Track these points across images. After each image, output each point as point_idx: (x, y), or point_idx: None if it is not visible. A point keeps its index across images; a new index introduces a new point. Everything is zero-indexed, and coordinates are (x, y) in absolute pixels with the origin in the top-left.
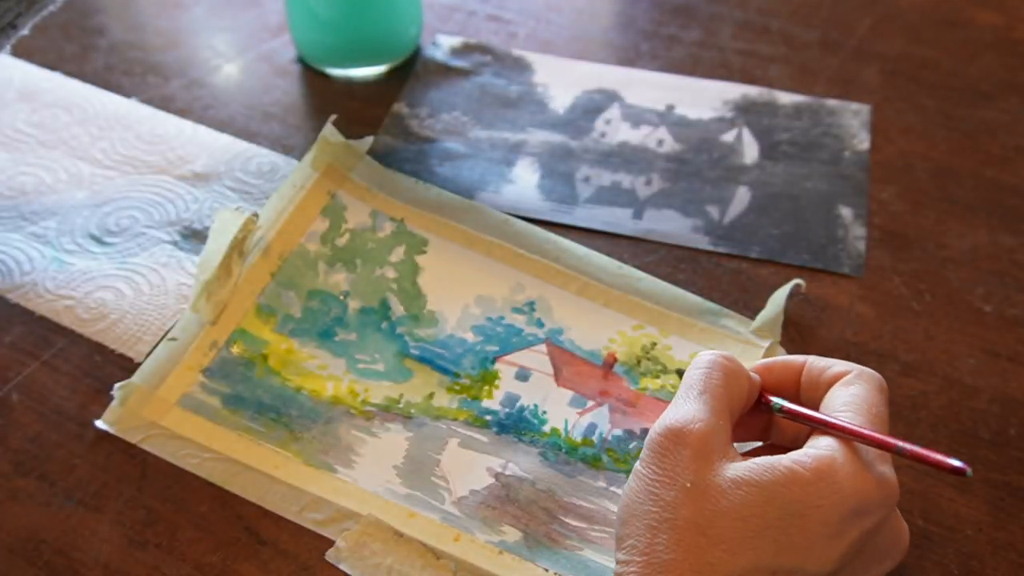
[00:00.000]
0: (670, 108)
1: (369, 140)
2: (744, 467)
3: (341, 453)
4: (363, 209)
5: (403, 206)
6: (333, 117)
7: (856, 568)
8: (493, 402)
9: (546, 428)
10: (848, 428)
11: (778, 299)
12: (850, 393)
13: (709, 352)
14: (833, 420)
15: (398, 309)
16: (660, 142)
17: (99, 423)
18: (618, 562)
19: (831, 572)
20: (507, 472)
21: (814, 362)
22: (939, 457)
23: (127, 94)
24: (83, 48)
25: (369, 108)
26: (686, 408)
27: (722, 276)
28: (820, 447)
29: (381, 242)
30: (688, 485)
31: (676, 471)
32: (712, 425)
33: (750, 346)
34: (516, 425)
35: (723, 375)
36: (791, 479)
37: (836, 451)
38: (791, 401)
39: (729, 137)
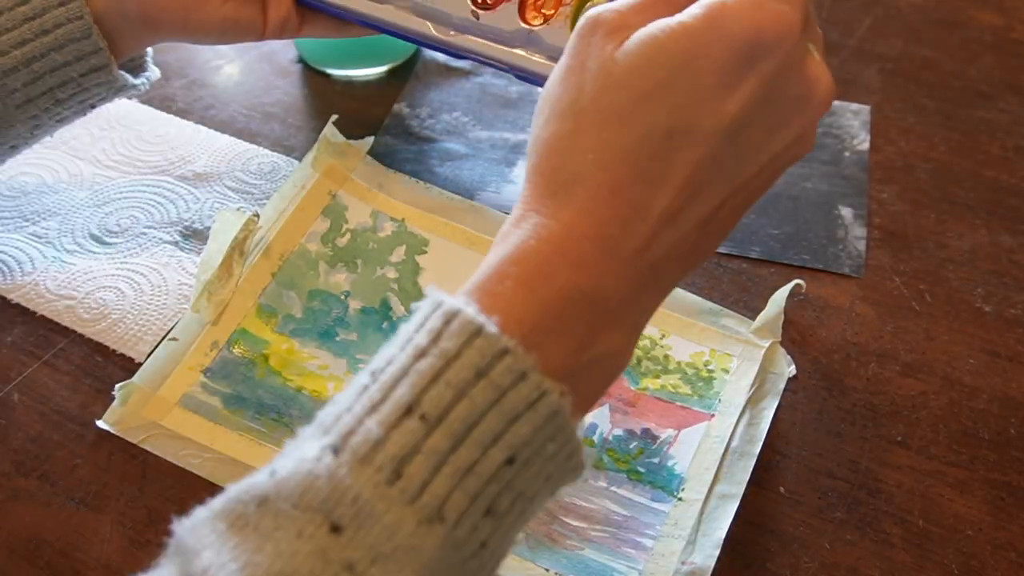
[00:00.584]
0: None
1: (370, 141)
2: (637, 33)
3: None
4: (364, 209)
5: (404, 206)
6: (334, 118)
7: (767, 122)
8: None
9: None
10: None
11: (778, 299)
12: None
13: None
14: None
15: (399, 309)
16: None
17: (100, 423)
18: (528, 154)
19: (731, 126)
20: None
21: None
22: None
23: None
24: None
25: (369, 108)
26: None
27: (722, 276)
28: None
29: (382, 242)
30: (589, 64)
31: (586, 54)
32: (638, 6)
33: (750, 346)
34: None
35: None
36: (679, 32)
37: None
38: None
39: None
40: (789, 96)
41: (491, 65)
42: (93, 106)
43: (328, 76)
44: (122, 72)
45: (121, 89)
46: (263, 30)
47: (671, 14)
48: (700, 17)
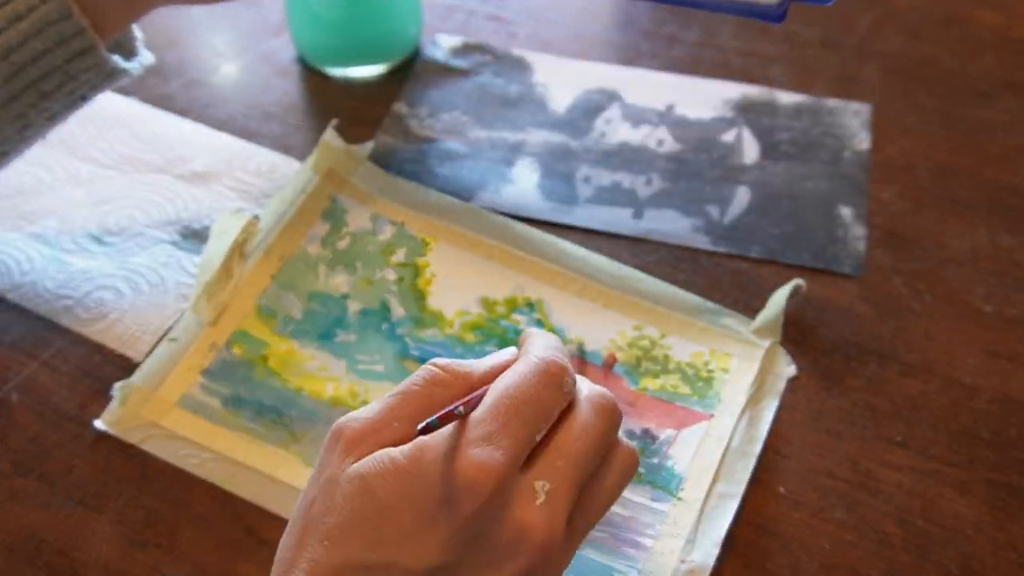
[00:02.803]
0: (670, 108)
1: (370, 145)
2: (357, 465)
3: None
4: (364, 213)
5: (403, 209)
6: (334, 122)
7: (474, 564)
8: None
9: None
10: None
11: (778, 299)
12: (500, 377)
13: (437, 360)
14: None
15: (398, 311)
16: (660, 142)
17: (99, 423)
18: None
19: (429, 567)
20: None
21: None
22: None
23: (126, 93)
24: None
25: (369, 108)
26: (364, 409)
27: (722, 276)
28: (435, 432)
29: (381, 245)
30: (322, 479)
31: (325, 464)
32: (377, 424)
33: (750, 346)
34: None
35: (427, 382)
36: (390, 469)
37: (437, 437)
38: None
39: (729, 137)
40: (497, 541)
41: None
42: (84, 97)
43: (327, 75)
44: (110, 55)
45: (112, 75)
46: None
47: (406, 433)
48: (408, 456)
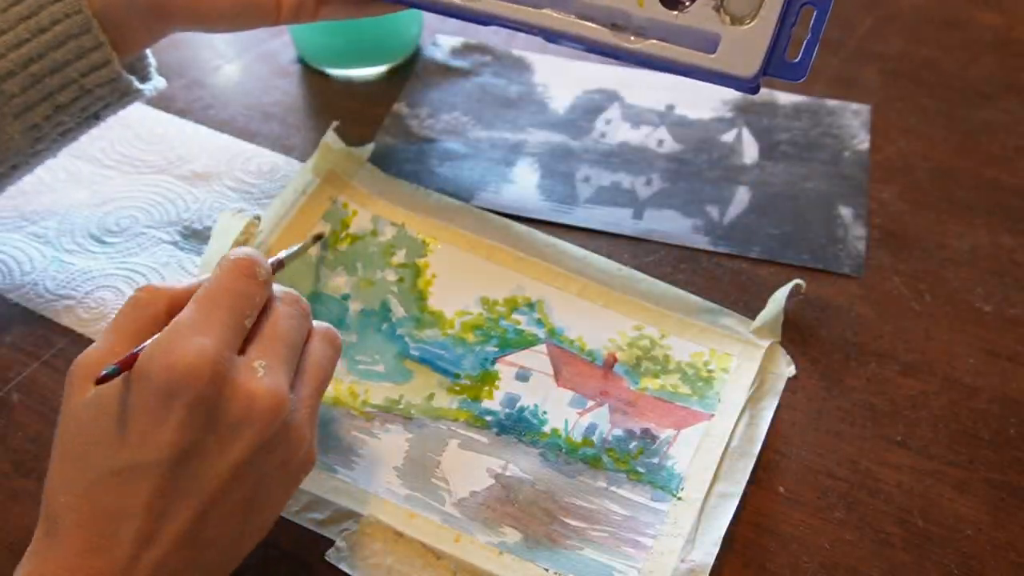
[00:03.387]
0: (670, 108)
1: (370, 147)
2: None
3: (341, 454)
4: (364, 214)
5: (404, 211)
6: (335, 124)
7: (213, 441)
8: (493, 403)
9: (546, 428)
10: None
11: (778, 299)
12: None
13: (138, 290)
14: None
15: (398, 311)
16: (660, 142)
17: None
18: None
19: (172, 454)
20: (507, 473)
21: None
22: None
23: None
24: None
25: (369, 108)
26: (89, 348)
27: (722, 276)
28: (149, 341)
29: (382, 246)
30: (65, 410)
31: (66, 398)
32: (98, 356)
33: (750, 346)
34: (516, 426)
35: (130, 307)
36: (113, 383)
37: (152, 340)
38: None
39: (729, 137)
40: (230, 416)
41: (519, 28)
42: (97, 115)
43: (327, 76)
44: (125, 73)
45: (126, 93)
46: (278, 14)
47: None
48: (134, 370)
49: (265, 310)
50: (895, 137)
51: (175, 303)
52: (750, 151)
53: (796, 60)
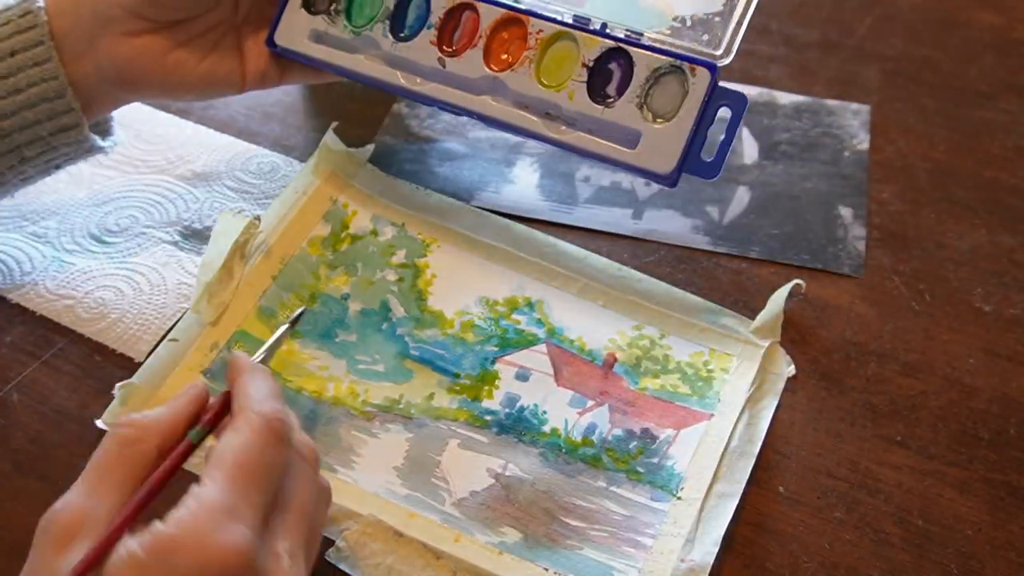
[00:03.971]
0: None
1: (370, 148)
2: (85, 555)
3: (341, 454)
4: (364, 214)
5: (404, 211)
6: (334, 125)
7: None
8: (493, 402)
9: (546, 428)
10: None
11: (778, 299)
12: (223, 445)
13: (114, 427)
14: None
15: (398, 311)
16: None
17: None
18: None
19: None
20: (507, 473)
21: (231, 369)
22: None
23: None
24: None
25: (369, 108)
26: (66, 495)
27: (722, 276)
28: (173, 513)
29: (382, 246)
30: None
31: (40, 564)
32: (83, 508)
33: (750, 346)
34: (516, 425)
35: (116, 445)
36: (129, 564)
37: (174, 522)
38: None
39: None
40: None
41: (459, 112)
42: (58, 166)
43: None
44: (91, 134)
45: (89, 150)
46: (242, 84)
47: (113, 508)
48: (149, 549)
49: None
50: (895, 137)
51: (167, 440)
52: (750, 151)
53: (711, 160)
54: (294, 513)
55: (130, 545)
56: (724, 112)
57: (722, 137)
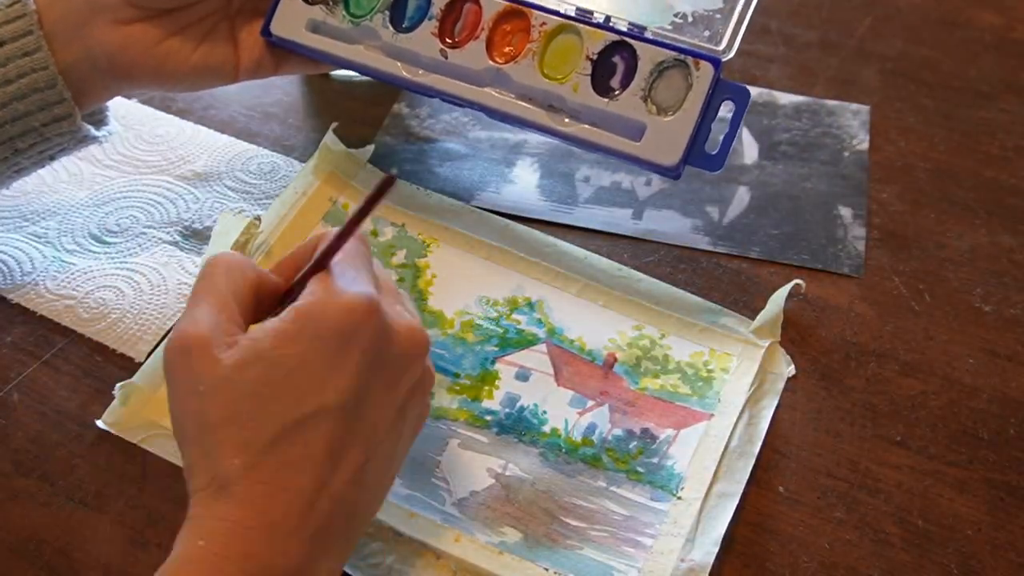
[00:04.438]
0: None
1: (370, 149)
2: (241, 347)
3: None
4: None
5: (404, 212)
6: (334, 125)
7: (382, 382)
8: (493, 402)
9: (546, 428)
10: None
11: (778, 299)
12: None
13: (217, 254)
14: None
15: None
16: None
17: (100, 423)
18: (192, 492)
19: (351, 397)
20: (507, 473)
21: (304, 243)
22: None
23: (128, 95)
24: None
25: (369, 108)
26: (185, 317)
27: (722, 276)
28: (301, 296)
29: (382, 246)
30: (202, 388)
31: (190, 380)
32: (210, 322)
33: (750, 346)
34: (516, 425)
35: (222, 270)
36: (280, 338)
37: (309, 294)
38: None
39: None
40: (393, 355)
41: (461, 104)
42: (52, 157)
43: (328, 76)
44: (85, 123)
45: (83, 140)
46: (236, 74)
47: (234, 314)
48: (290, 321)
49: None
50: (895, 137)
51: (264, 281)
52: (750, 151)
53: (715, 152)
54: (387, 289)
55: (268, 325)
56: (724, 114)
57: (725, 131)
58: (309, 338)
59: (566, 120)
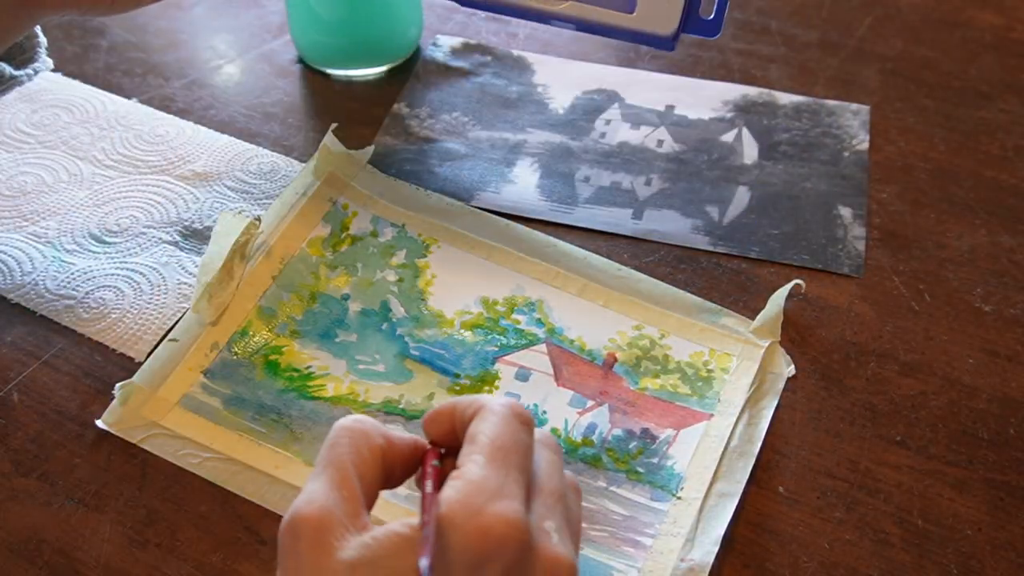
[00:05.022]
0: (670, 108)
1: (370, 150)
2: (360, 544)
3: None
4: (364, 215)
5: (404, 212)
6: (333, 126)
7: None
8: None
9: (546, 428)
10: (428, 514)
11: (778, 299)
12: (475, 430)
13: (343, 419)
14: (426, 495)
15: (399, 310)
16: (660, 142)
17: (99, 423)
18: None
19: None
20: None
21: (459, 403)
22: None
23: (127, 94)
24: (84, 49)
25: (369, 108)
26: (304, 492)
27: (722, 276)
28: (441, 497)
29: (382, 246)
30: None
31: (299, 567)
32: (327, 502)
33: (749, 346)
34: None
35: (348, 438)
36: (402, 546)
37: (448, 499)
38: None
39: (729, 137)
40: None
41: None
42: None
43: (328, 76)
44: (5, 65)
45: (6, 82)
46: None
47: (356, 500)
48: (418, 529)
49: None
50: (894, 137)
51: (393, 446)
52: (750, 151)
53: (711, 17)
54: (551, 495)
55: (398, 528)
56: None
57: None
58: (438, 554)
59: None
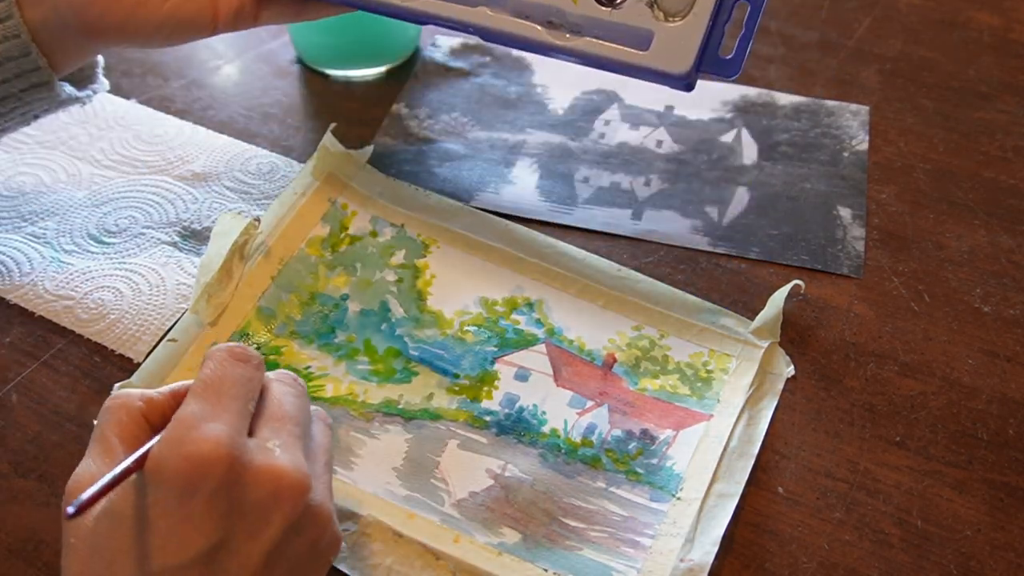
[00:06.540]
0: (669, 109)
1: (369, 150)
2: (105, 500)
3: (341, 454)
4: (363, 215)
5: (403, 212)
6: (332, 126)
7: (242, 530)
8: (492, 403)
9: (545, 429)
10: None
11: (777, 300)
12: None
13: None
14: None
15: (398, 311)
16: (659, 143)
17: None
18: None
19: (202, 548)
20: (506, 474)
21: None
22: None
23: (126, 95)
24: None
25: (368, 109)
26: (81, 463)
27: (721, 277)
28: (155, 440)
29: (381, 247)
30: (72, 541)
31: (66, 527)
32: (83, 473)
33: (749, 346)
34: (515, 426)
35: (109, 412)
36: (124, 490)
37: (159, 438)
38: None
39: (728, 138)
40: (254, 500)
41: (455, 27)
42: (36, 116)
43: (327, 76)
44: (65, 85)
45: (65, 102)
46: (214, 24)
47: (124, 452)
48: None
49: (263, 393)
50: (894, 138)
51: (153, 403)
52: (749, 152)
53: (730, 56)
54: (279, 420)
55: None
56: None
57: (742, 32)
58: (150, 491)
59: (567, 35)
